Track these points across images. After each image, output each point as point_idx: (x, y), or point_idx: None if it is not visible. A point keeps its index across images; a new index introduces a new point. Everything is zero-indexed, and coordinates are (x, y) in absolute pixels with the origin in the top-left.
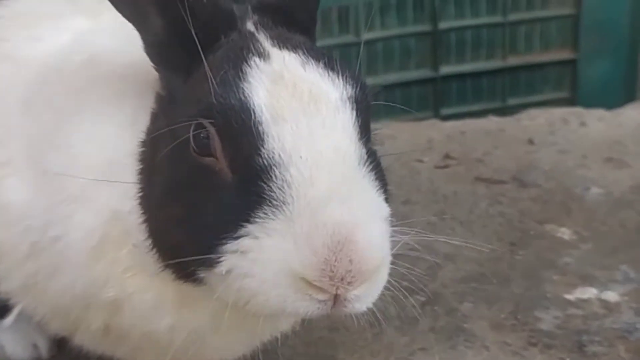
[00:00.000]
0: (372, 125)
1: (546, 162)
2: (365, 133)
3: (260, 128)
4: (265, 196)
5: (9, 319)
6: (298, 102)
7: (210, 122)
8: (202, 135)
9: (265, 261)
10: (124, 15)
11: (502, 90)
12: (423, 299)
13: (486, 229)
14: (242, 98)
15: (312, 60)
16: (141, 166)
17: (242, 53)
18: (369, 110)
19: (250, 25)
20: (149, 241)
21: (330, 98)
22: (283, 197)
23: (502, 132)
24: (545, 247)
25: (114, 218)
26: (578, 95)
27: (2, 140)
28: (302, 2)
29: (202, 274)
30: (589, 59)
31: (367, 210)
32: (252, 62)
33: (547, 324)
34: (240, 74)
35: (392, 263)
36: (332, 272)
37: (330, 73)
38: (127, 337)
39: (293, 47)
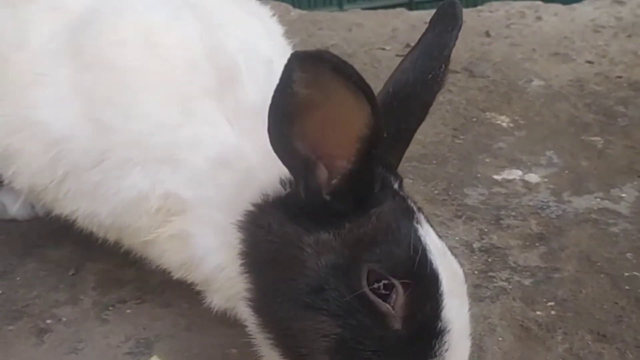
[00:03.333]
0: None
1: (497, 54)
2: None
3: (442, 298)
4: (431, 352)
5: (16, 207)
6: (455, 282)
7: (402, 282)
8: (379, 285)
9: None
10: (286, 166)
11: None
12: None
13: (434, 115)
14: (432, 270)
15: (436, 233)
16: (254, 229)
17: (408, 220)
18: None
19: (396, 185)
20: (256, 304)
21: (463, 280)
22: (442, 356)
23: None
24: (484, 133)
25: (171, 197)
26: None
27: (45, 59)
28: (399, 147)
29: None
30: None
31: None
32: (420, 232)
33: (473, 199)
34: (421, 244)
35: None
36: None
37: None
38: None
39: (424, 215)
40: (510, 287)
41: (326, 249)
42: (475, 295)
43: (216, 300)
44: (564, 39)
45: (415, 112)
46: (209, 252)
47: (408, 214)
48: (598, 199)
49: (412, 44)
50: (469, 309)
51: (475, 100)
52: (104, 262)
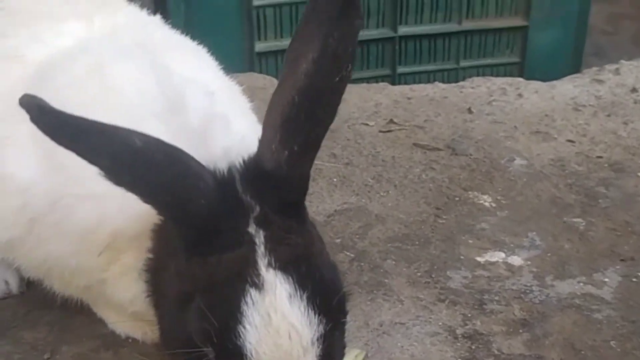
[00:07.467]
0: None
1: (479, 132)
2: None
3: None
4: None
5: None
6: (277, 351)
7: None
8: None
9: None
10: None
11: (456, 52)
12: (352, 255)
13: (417, 193)
14: (239, 344)
15: (299, 291)
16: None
17: (241, 283)
18: (340, 331)
19: (251, 227)
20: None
21: (303, 342)
22: None
23: (445, 99)
24: (466, 213)
25: (119, 236)
26: (527, 61)
27: (4, 118)
28: (296, 168)
29: None
30: (540, 26)
31: None
32: (249, 298)
33: (456, 282)
34: (239, 315)
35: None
36: None
37: (310, 311)
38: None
39: (285, 267)
40: None
41: (177, 278)
42: None
43: None
44: (545, 117)
45: (324, 120)
46: None
47: (244, 274)
48: (581, 284)
49: (395, 120)
50: None
51: (458, 178)
52: (80, 345)
